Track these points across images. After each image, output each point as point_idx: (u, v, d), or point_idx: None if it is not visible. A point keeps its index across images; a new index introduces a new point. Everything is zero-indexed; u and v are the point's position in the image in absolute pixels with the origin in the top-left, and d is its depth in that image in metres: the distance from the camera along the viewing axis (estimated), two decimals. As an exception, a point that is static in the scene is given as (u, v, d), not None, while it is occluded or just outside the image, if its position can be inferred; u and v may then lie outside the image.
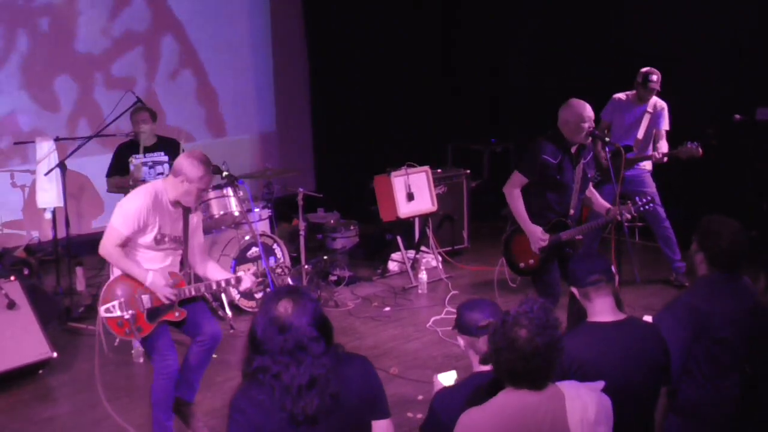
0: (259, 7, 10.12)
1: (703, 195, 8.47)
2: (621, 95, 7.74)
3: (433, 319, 7.02)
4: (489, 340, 3.10)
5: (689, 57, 8.80)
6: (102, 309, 4.82)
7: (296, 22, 10.27)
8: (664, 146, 7.55)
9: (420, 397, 5.53)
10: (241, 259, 7.11)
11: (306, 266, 7.76)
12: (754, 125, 8.36)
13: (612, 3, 9.36)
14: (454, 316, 6.98)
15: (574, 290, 3.79)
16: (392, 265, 8.29)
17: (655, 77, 7.46)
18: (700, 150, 7.33)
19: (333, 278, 7.88)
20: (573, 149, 5.62)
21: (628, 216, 5.74)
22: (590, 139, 5.65)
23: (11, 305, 6.04)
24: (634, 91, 7.63)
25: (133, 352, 6.36)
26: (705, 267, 4.06)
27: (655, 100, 7.63)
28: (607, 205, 5.81)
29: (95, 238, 9.05)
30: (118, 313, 4.79)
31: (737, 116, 8.22)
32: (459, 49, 10.77)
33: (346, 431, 3.07)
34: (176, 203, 4.89)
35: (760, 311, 3.98)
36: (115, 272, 4.92)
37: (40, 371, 6.12)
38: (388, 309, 7.38)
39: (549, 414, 2.99)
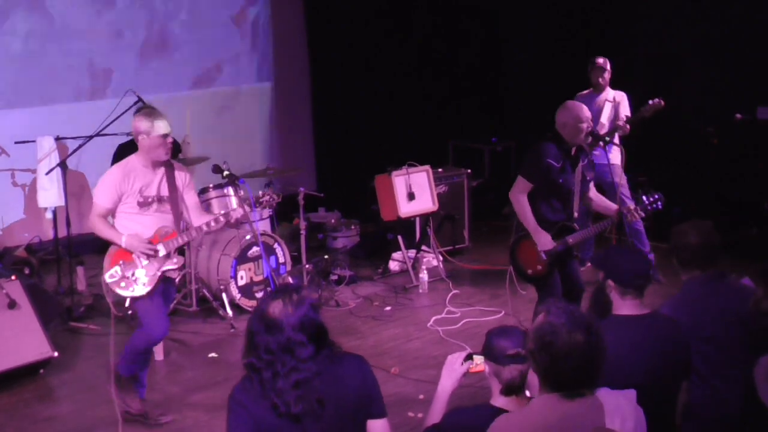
0: (260, 6, 10.12)
1: (703, 194, 8.48)
2: (583, 92, 7.98)
3: (434, 318, 7.01)
4: (531, 338, 2.99)
5: (690, 56, 8.81)
6: (106, 276, 5.13)
7: (297, 20, 10.27)
8: (625, 129, 7.65)
9: (421, 396, 5.52)
10: (241, 259, 7.11)
11: (307, 266, 7.76)
12: (755, 124, 8.36)
13: (612, 3, 9.37)
14: (455, 315, 7.09)
15: (612, 284, 3.78)
16: (393, 265, 8.29)
17: (601, 60, 7.85)
18: (662, 102, 7.45)
19: (334, 278, 7.87)
20: (572, 151, 5.61)
21: (641, 215, 5.67)
22: (590, 139, 5.64)
23: (12, 305, 6.03)
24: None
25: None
26: (681, 270, 4.12)
27: (614, 92, 7.90)
28: (614, 206, 5.77)
29: (96, 238, 9.09)
30: (121, 274, 5.12)
31: (738, 115, 8.24)
32: (460, 47, 10.76)
33: (338, 430, 3.04)
34: (154, 165, 5.12)
35: (750, 315, 3.94)
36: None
37: (41, 371, 6.11)
38: (388, 308, 7.38)
39: (588, 423, 2.90)
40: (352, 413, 3.06)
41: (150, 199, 5.12)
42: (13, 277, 6.30)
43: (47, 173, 7.58)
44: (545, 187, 5.58)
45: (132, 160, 5.15)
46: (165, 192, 5.17)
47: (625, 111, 7.80)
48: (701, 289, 4.05)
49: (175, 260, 5.21)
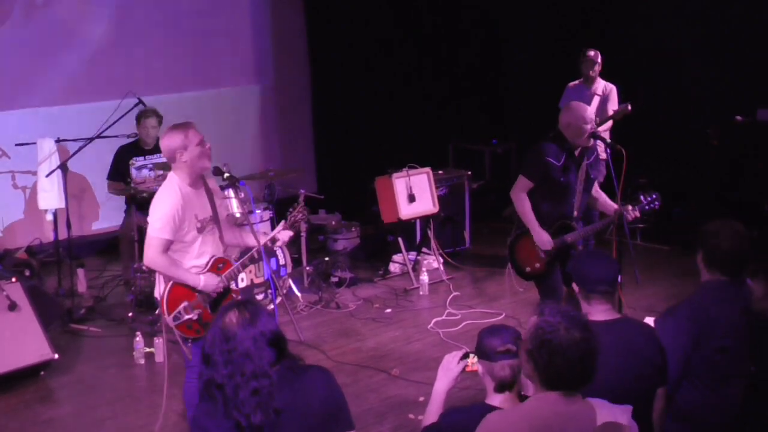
0: (260, 6, 10.13)
1: (703, 195, 8.48)
2: (574, 82, 8.18)
3: (434, 320, 7.00)
4: (528, 339, 3.02)
5: (690, 56, 8.80)
6: (170, 318, 4.72)
7: (297, 21, 10.27)
8: (606, 125, 7.75)
9: (421, 399, 5.50)
10: (242, 261, 7.10)
11: (307, 268, 7.75)
12: (756, 126, 8.36)
13: (613, 3, 9.36)
14: (456, 317, 7.08)
15: (576, 288, 3.78)
16: (393, 267, 8.28)
17: (592, 52, 8.01)
18: (629, 107, 7.61)
19: (334, 280, 7.87)
20: (576, 151, 5.61)
21: (636, 215, 5.68)
22: (592, 140, 5.64)
23: (12, 307, 6.03)
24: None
25: (134, 353, 6.36)
26: (704, 269, 4.03)
27: (604, 84, 8.05)
28: (614, 205, 5.77)
29: (96, 240, 9.15)
30: (187, 317, 4.72)
31: (739, 117, 8.24)
32: (460, 49, 10.77)
33: None
34: (195, 184, 4.73)
35: (753, 316, 3.93)
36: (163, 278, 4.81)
37: (42, 372, 6.11)
38: (389, 310, 7.37)
39: (580, 427, 2.94)
40: (317, 426, 3.03)
41: (206, 222, 4.73)
42: (13, 279, 6.31)
43: (48, 175, 7.58)
44: (546, 186, 5.59)
45: (176, 183, 4.69)
46: (210, 211, 4.79)
47: (613, 105, 7.91)
48: (719, 295, 3.95)
49: (234, 295, 4.87)
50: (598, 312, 3.69)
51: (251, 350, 2.91)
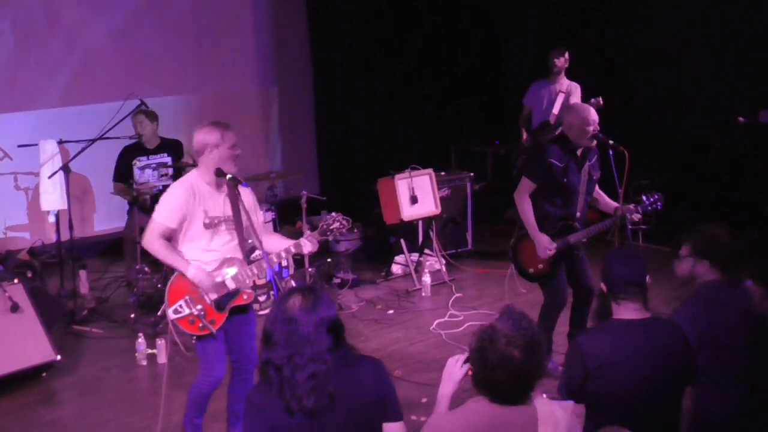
0: (262, 8, 10.13)
1: (704, 196, 8.48)
2: (539, 80, 8.57)
3: (436, 321, 7.01)
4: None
5: (690, 57, 8.80)
6: (170, 311, 4.69)
7: (299, 24, 10.28)
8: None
9: (424, 400, 5.52)
10: (244, 262, 7.10)
11: (310, 269, 7.76)
12: (757, 127, 8.36)
13: (613, 3, 9.37)
14: (458, 319, 7.07)
15: (605, 288, 3.79)
16: (396, 268, 8.29)
17: (565, 50, 8.43)
18: (601, 101, 7.74)
19: (337, 281, 7.88)
20: (578, 152, 5.62)
21: (636, 218, 5.69)
22: (595, 141, 5.65)
23: (15, 308, 6.04)
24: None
25: (137, 354, 6.36)
26: (712, 274, 4.08)
27: (569, 82, 8.35)
28: (615, 204, 5.78)
29: (99, 241, 9.14)
30: (187, 311, 4.67)
31: (741, 119, 8.24)
32: (462, 50, 10.77)
33: (352, 430, 3.10)
34: (213, 182, 4.70)
35: (756, 318, 3.96)
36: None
37: (44, 374, 6.12)
38: (391, 312, 7.38)
39: (521, 429, 2.96)
40: (365, 415, 3.12)
41: (216, 221, 4.70)
42: (15, 281, 6.31)
43: (50, 177, 7.58)
44: (548, 187, 5.61)
45: (194, 178, 4.72)
46: (229, 212, 4.74)
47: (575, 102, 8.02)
48: (719, 294, 4.03)
49: (245, 296, 4.78)
50: (627, 311, 3.72)
51: (312, 334, 3.00)
